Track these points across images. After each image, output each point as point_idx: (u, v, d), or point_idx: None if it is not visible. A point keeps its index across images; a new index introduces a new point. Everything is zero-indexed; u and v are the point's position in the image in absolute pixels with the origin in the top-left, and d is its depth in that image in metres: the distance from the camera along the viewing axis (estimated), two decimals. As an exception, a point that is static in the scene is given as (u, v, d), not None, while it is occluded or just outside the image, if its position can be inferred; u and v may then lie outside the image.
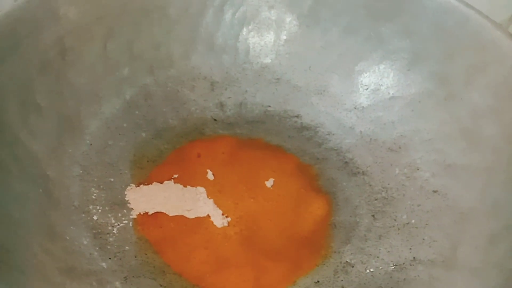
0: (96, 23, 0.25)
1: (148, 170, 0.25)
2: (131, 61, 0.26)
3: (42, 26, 0.23)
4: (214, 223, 0.23)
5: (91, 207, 0.23)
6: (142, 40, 0.27)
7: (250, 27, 0.29)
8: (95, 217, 0.22)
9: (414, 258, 0.22)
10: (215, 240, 0.23)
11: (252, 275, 0.22)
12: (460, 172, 0.24)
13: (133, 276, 0.20)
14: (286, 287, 0.22)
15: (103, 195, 0.23)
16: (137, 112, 0.26)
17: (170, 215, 0.23)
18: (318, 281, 0.22)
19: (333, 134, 0.28)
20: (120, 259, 0.21)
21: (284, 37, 0.29)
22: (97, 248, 0.21)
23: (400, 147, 0.26)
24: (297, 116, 0.29)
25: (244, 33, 0.29)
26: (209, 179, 0.25)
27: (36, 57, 0.23)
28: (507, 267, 0.19)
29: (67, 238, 0.21)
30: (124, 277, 0.20)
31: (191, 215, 0.23)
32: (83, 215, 0.22)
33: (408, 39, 0.26)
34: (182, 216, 0.23)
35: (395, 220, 0.24)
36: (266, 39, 0.29)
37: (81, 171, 0.23)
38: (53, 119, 0.23)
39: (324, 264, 0.23)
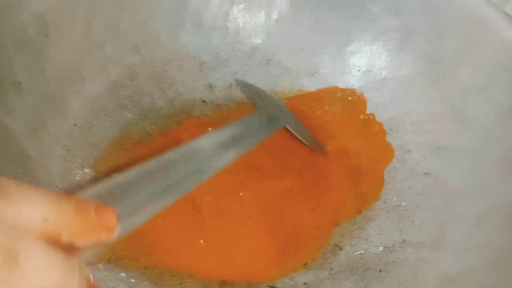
0: (79, 0, 0.24)
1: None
2: (116, 39, 0.26)
3: (21, 2, 0.22)
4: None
5: (74, 188, 0.22)
6: (127, 18, 0.26)
7: (240, 6, 0.28)
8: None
9: (403, 240, 0.22)
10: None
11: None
12: (450, 153, 0.23)
13: (117, 258, 0.20)
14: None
15: (87, 176, 0.23)
16: (122, 92, 0.26)
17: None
18: (306, 263, 0.22)
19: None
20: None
21: (275, 17, 0.29)
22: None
23: (391, 129, 0.26)
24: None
25: (234, 12, 0.28)
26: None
27: (14, 33, 0.22)
28: (492, 247, 0.19)
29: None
30: (107, 259, 0.20)
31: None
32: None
33: (399, 18, 0.25)
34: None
35: (385, 202, 0.24)
36: (257, 18, 0.29)
37: (64, 152, 0.23)
38: (34, 97, 0.22)
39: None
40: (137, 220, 0.14)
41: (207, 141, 0.18)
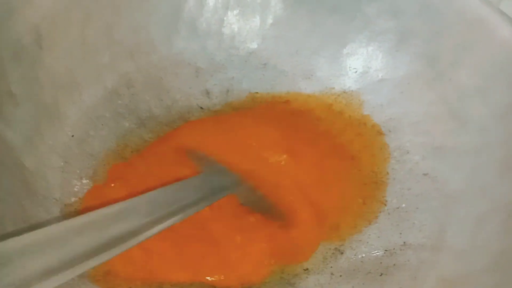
0: (73, 7, 0.24)
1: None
2: (111, 47, 0.25)
3: (14, 12, 0.22)
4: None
5: (72, 199, 0.22)
6: (121, 26, 0.26)
7: (235, 11, 0.28)
8: (77, 210, 0.22)
9: (404, 243, 0.22)
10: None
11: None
12: (449, 154, 0.23)
13: (116, 270, 0.20)
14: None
15: (86, 187, 0.23)
16: (119, 101, 0.26)
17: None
18: (307, 268, 0.22)
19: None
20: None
21: (270, 21, 0.28)
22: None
23: (389, 130, 0.26)
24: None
25: (229, 17, 0.28)
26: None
27: (9, 44, 0.22)
28: (493, 249, 0.19)
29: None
30: (107, 270, 0.20)
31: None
32: (64, 207, 0.22)
33: (395, 19, 0.25)
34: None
35: (384, 204, 0.24)
36: (251, 23, 0.29)
37: (62, 163, 0.23)
38: (30, 108, 0.22)
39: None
40: None
41: (140, 203, 0.17)
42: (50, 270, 0.12)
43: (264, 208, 0.23)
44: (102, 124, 0.25)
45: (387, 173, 0.25)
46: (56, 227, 0.13)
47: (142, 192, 0.18)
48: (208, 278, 0.21)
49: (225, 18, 0.28)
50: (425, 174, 0.24)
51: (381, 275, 0.21)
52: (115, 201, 0.16)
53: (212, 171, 0.23)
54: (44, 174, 0.22)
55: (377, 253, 0.22)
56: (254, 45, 0.29)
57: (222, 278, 0.21)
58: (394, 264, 0.21)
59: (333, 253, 0.22)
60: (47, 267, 0.12)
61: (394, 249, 0.22)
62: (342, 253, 0.22)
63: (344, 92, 0.28)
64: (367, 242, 0.23)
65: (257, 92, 0.28)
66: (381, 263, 0.22)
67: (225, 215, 0.22)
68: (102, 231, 0.14)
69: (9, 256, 0.11)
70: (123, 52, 0.26)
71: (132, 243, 0.15)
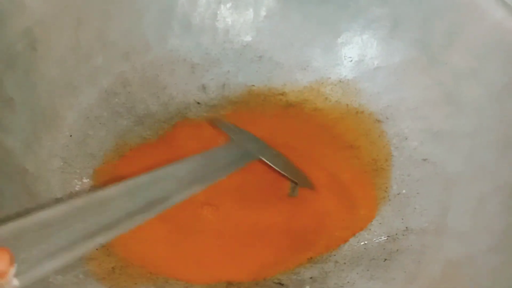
0: (65, 12, 0.24)
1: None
2: (105, 48, 0.25)
3: (7, 18, 0.22)
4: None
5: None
6: (114, 27, 0.26)
7: (228, 5, 0.28)
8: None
9: (406, 228, 0.22)
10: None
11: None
12: (447, 138, 0.23)
13: (121, 266, 0.20)
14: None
15: (86, 186, 0.23)
16: (116, 100, 0.26)
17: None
18: (311, 258, 0.22)
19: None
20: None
21: (264, 13, 0.28)
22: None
23: (387, 118, 0.26)
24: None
25: (222, 11, 0.28)
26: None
27: (4, 50, 0.22)
28: (496, 228, 0.19)
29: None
30: (112, 268, 0.20)
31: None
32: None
33: (386, 5, 0.25)
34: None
35: (385, 191, 0.24)
36: (245, 16, 0.29)
37: (61, 163, 0.23)
38: (28, 113, 0.22)
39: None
40: (52, 266, 0.12)
41: (171, 171, 0.17)
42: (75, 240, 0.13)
43: (292, 172, 0.24)
44: (100, 124, 0.25)
45: (386, 160, 0.25)
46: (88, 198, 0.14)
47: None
48: (214, 272, 0.21)
49: (218, 12, 0.28)
50: (424, 159, 0.24)
51: (385, 261, 0.21)
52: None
53: (239, 138, 0.24)
54: (45, 176, 0.22)
55: (380, 239, 0.22)
56: (248, 38, 0.28)
57: (228, 272, 0.21)
58: (397, 250, 0.21)
59: (336, 242, 0.22)
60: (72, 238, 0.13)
61: (396, 234, 0.22)
62: (345, 241, 0.22)
63: (340, 81, 0.28)
64: (370, 229, 0.23)
65: (253, 85, 0.28)
66: (384, 249, 0.22)
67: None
68: (135, 196, 0.15)
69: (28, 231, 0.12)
70: (117, 53, 0.26)
71: (164, 206, 0.16)
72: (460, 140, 0.23)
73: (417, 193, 0.23)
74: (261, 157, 0.23)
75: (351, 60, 0.27)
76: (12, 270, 0.10)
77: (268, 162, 0.23)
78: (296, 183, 0.24)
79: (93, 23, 0.25)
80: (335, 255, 0.22)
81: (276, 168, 0.23)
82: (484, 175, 0.21)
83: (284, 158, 0.24)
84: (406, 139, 0.25)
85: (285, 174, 0.23)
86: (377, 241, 0.22)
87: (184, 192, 0.17)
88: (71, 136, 0.24)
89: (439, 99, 0.24)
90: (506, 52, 0.22)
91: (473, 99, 0.22)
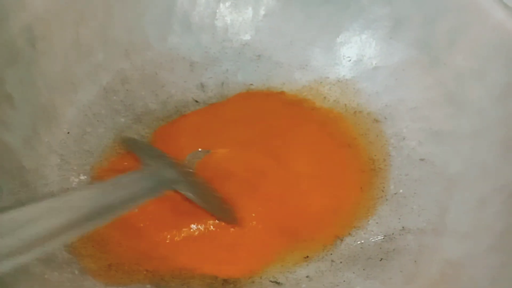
0: (66, 9, 0.24)
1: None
2: (105, 46, 0.25)
3: (8, 15, 0.22)
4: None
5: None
6: (115, 24, 0.26)
7: (227, 3, 0.28)
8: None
9: (403, 227, 0.22)
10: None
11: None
12: (447, 138, 0.23)
13: (118, 263, 0.20)
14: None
15: (84, 183, 0.23)
16: (114, 97, 0.26)
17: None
18: (307, 256, 0.22)
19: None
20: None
21: (263, 12, 0.28)
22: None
23: (385, 117, 0.26)
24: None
25: (221, 9, 0.28)
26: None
27: (4, 47, 0.22)
28: (496, 229, 0.19)
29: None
30: (108, 264, 0.20)
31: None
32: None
33: (389, 6, 0.25)
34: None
35: (382, 191, 0.24)
36: (244, 15, 0.29)
37: (59, 160, 0.23)
38: (27, 109, 0.22)
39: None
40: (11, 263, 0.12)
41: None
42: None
43: (213, 204, 0.21)
44: (98, 121, 0.25)
45: (384, 159, 0.25)
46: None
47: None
48: (209, 268, 0.21)
49: (217, 11, 0.28)
50: (422, 159, 0.24)
51: (381, 260, 0.21)
52: None
53: (153, 163, 0.21)
54: (43, 173, 0.22)
55: (377, 239, 0.22)
56: (247, 37, 0.29)
57: (223, 267, 0.21)
58: (394, 249, 0.21)
59: (333, 241, 0.22)
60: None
61: (393, 234, 0.22)
62: (341, 240, 0.22)
63: (339, 81, 0.28)
64: (366, 229, 0.23)
65: (252, 84, 0.28)
66: (380, 248, 0.22)
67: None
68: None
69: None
70: (117, 51, 0.26)
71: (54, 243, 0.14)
72: (460, 140, 0.23)
73: (415, 193, 0.23)
74: (175, 188, 0.20)
75: (350, 60, 0.27)
76: None
77: (184, 194, 0.20)
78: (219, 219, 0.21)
79: (94, 20, 0.25)
80: (331, 254, 0.22)
81: (193, 201, 0.20)
82: (485, 175, 0.21)
83: (206, 187, 0.21)
84: (404, 139, 0.25)
85: (204, 207, 0.20)
86: (373, 240, 0.22)
87: (76, 230, 0.15)
88: (68, 132, 0.24)
89: (440, 100, 0.24)
90: (507, 53, 0.22)
91: (475, 100, 0.22)
